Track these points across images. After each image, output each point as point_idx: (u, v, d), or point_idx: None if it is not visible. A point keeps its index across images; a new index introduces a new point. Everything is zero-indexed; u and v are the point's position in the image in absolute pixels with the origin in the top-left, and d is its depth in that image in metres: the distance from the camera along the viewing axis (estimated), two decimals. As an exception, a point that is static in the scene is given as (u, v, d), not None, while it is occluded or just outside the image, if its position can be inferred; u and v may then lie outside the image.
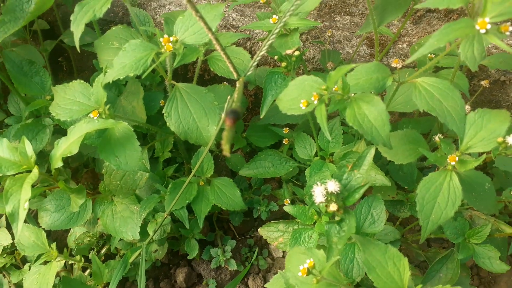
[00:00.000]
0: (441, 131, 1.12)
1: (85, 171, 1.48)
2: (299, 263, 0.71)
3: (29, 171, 0.93)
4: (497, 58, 1.14)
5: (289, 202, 1.25)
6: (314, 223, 0.90)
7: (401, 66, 0.92)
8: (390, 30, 1.18)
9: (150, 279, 1.31)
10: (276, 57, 0.99)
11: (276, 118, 1.21)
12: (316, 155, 1.12)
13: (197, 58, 1.09)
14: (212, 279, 1.27)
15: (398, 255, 0.73)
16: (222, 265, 1.27)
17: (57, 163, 0.94)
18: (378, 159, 1.15)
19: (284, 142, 1.22)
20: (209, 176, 1.16)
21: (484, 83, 1.10)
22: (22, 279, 1.20)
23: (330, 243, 0.73)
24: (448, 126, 0.84)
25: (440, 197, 0.83)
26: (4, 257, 1.35)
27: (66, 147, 0.93)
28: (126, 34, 1.07)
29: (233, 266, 1.26)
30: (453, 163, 0.80)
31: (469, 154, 0.86)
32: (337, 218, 0.73)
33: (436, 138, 0.87)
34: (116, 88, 1.23)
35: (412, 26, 1.19)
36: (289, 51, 0.97)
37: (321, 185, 0.72)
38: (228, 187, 1.15)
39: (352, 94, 0.84)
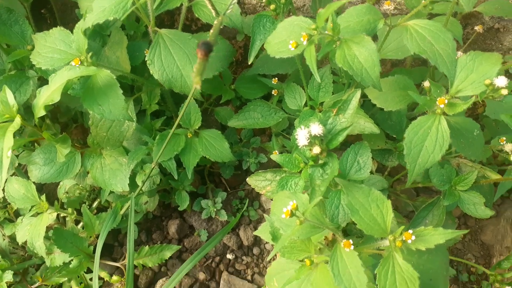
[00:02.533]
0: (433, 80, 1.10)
1: (74, 126, 1.46)
2: (283, 207, 0.71)
3: (12, 120, 0.92)
4: (493, 4, 1.10)
5: (278, 153, 1.25)
6: (301, 171, 0.90)
7: (393, 8, 0.89)
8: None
9: (142, 231, 1.34)
10: (264, 0, 0.95)
11: (265, 68, 1.18)
12: (306, 105, 1.10)
13: (181, 5, 1.04)
14: (204, 229, 1.29)
15: (381, 197, 0.73)
16: (213, 216, 1.28)
17: (40, 112, 0.92)
18: (368, 111, 1.13)
19: (273, 93, 1.20)
20: (197, 128, 1.14)
21: (478, 28, 1.06)
22: (15, 231, 1.22)
23: (313, 186, 0.73)
24: (439, 69, 0.83)
25: (428, 140, 0.82)
26: (-3, 212, 1.36)
27: (48, 95, 0.91)
28: (106, -22, 1.02)
29: (223, 216, 1.27)
30: (442, 105, 0.79)
31: (459, 98, 0.84)
32: (320, 162, 0.73)
33: (426, 83, 0.85)
34: (100, 38, 1.20)
35: (407, -30, 1.14)
36: (277, -7, 0.93)
37: (305, 128, 0.71)
38: (216, 139, 1.14)
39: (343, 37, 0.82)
